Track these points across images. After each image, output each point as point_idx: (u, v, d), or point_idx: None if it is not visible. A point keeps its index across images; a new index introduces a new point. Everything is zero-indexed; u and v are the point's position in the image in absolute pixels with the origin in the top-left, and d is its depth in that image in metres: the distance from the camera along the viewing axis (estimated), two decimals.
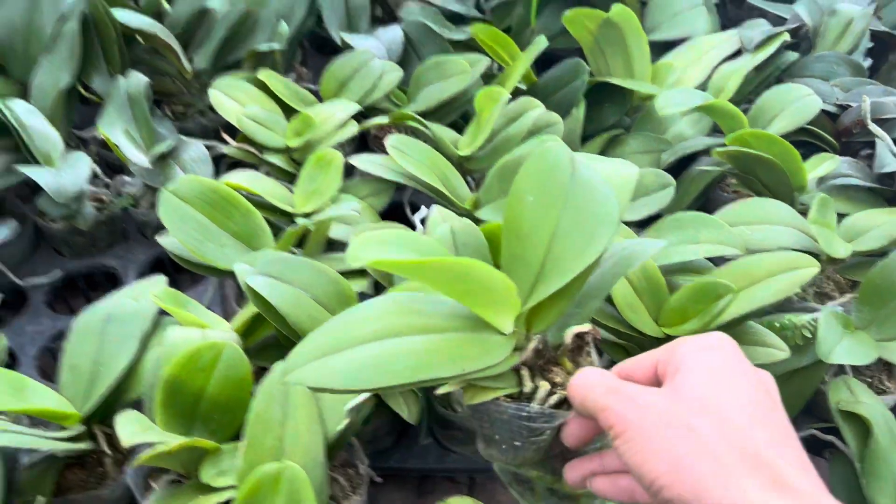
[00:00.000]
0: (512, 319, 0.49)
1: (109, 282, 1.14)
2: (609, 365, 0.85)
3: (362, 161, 1.00)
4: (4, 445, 0.66)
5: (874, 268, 0.80)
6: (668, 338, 0.76)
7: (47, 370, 1.00)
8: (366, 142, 1.26)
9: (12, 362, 0.98)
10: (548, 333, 0.53)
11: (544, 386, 0.51)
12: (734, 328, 0.75)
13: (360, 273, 0.87)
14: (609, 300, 0.74)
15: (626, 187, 0.55)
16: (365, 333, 0.47)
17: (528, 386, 0.51)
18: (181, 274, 1.17)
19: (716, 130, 1.20)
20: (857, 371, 0.83)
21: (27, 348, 0.98)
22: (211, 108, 1.28)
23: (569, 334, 0.53)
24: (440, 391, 0.51)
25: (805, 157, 1.00)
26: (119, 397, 0.78)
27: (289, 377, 0.47)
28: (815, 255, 0.90)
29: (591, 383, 0.47)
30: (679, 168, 1.13)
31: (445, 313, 0.49)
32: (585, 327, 0.53)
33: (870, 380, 0.84)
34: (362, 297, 0.84)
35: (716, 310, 0.72)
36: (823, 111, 1.12)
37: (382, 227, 0.87)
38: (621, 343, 0.78)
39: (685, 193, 1.08)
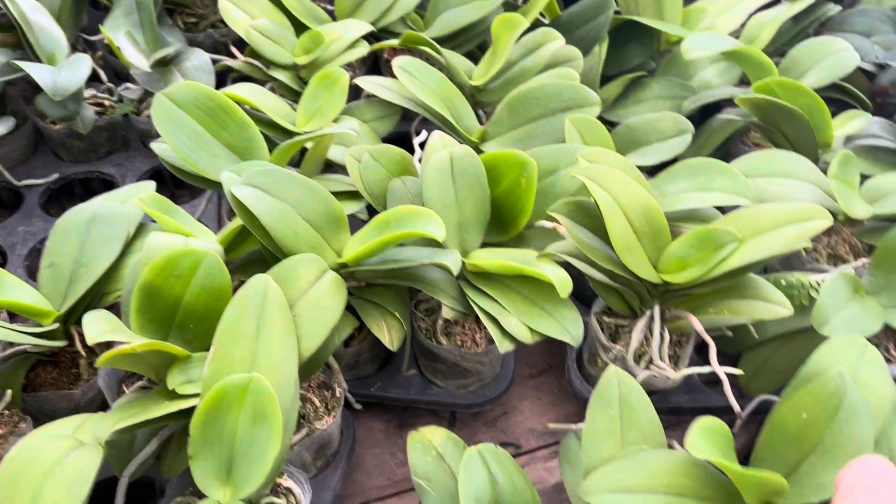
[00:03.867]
0: None
1: (107, 189, 1.12)
2: (604, 310, 0.82)
3: (368, 82, 0.97)
4: None
5: (892, 230, 0.76)
6: (666, 284, 0.72)
7: (34, 271, 0.98)
8: (378, 66, 1.22)
9: (2, 261, 0.97)
10: None
11: None
12: (735, 279, 0.71)
13: (354, 195, 0.84)
14: (606, 239, 0.71)
15: (881, 410, 0.64)
16: (658, 483, 0.60)
17: None
18: (182, 189, 1.15)
19: (744, 83, 1.14)
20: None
21: (18, 248, 0.97)
22: (223, 22, 1.25)
23: None
24: None
25: (835, 115, 0.95)
26: (98, 299, 0.77)
27: (591, 498, 0.59)
28: (832, 214, 0.86)
29: None
30: (702, 118, 1.08)
31: (712, 482, 0.62)
32: None
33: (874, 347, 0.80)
34: (354, 219, 0.81)
35: (717, 258, 0.69)
36: (860, 69, 1.06)
37: (383, 149, 0.83)
38: (615, 287, 0.74)
39: (705, 144, 1.03)
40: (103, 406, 0.79)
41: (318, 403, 0.74)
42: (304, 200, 0.74)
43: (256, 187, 0.72)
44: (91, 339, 0.60)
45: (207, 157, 0.83)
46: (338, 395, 0.74)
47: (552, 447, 0.87)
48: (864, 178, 0.88)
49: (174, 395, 0.64)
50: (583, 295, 0.82)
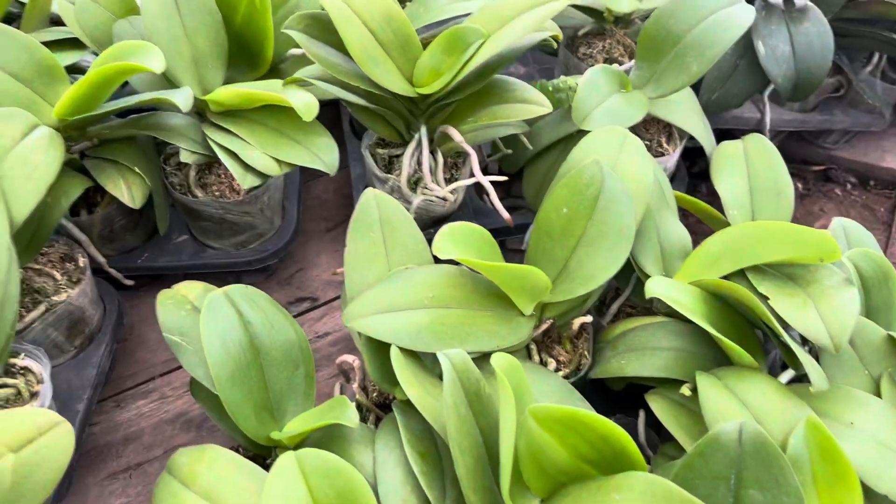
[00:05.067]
0: (534, 305, 0.59)
1: None
2: (377, 141, 0.77)
3: None
4: None
5: (649, 19, 0.73)
6: (424, 98, 0.68)
7: None
8: None
9: None
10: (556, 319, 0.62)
11: (551, 364, 0.62)
12: (486, 80, 0.67)
13: (75, 44, 0.74)
14: (345, 51, 0.64)
15: (642, 195, 0.62)
16: (423, 298, 0.57)
17: (535, 360, 0.62)
18: None
19: None
20: (637, 133, 0.78)
21: None
22: None
23: (576, 323, 0.62)
24: None
25: None
26: None
27: (354, 323, 0.55)
28: (601, 15, 0.84)
29: None
30: None
31: (482, 291, 0.59)
32: (588, 318, 0.63)
33: (649, 142, 0.79)
34: (70, 71, 0.71)
35: (465, 58, 0.64)
36: None
37: None
38: (375, 110, 0.69)
39: None
40: None
41: (59, 277, 0.66)
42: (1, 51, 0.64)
43: None
44: None
45: None
46: (81, 264, 0.67)
47: None
48: None
49: None
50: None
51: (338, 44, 0.66)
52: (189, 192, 0.72)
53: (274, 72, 0.74)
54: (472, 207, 0.80)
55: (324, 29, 0.66)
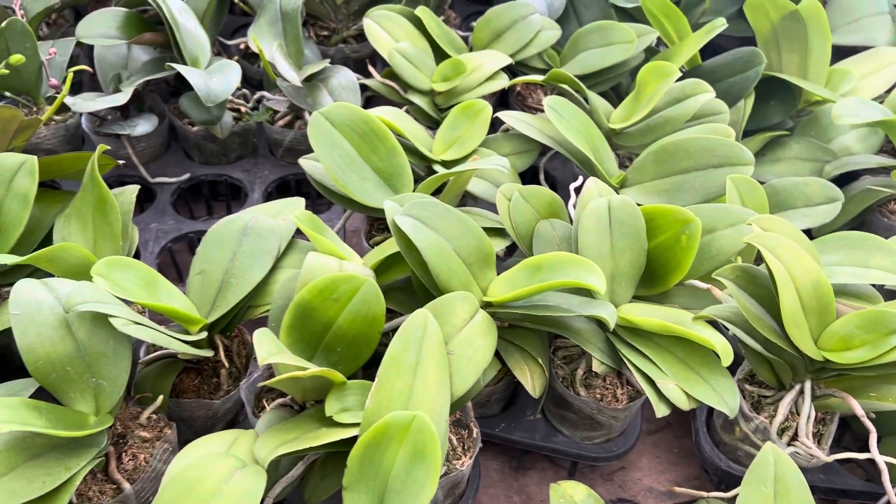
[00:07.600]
0: None
1: (233, 194, 1.13)
2: (746, 377, 0.80)
3: (511, 117, 0.96)
4: (137, 338, 0.66)
5: None
6: (827, 362, 0.70)
7: (164, 269, 1.00)
8: (506, 99, 1.22)
9: (134, 256, 0.99)
10: None
11: None
12: None
13: (499, 232, 0.83)
14: (774, 312, 0.69)
15: None
16: None
17: None
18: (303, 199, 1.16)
19: (883, 150, 1.11)
20: None
21: (150, 245, 0.99)
22: (355, 38, 1.26)
23: None
24: None
25: None
26: (244, 312, 0.77)
27: None
28: None
29: None
30: (836, 184, 1.06)
31: None
32: None
33: None
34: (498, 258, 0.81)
35: (889, 344, 0.66)
36: None
37: (534, 190, 0.82)
38: (769, 357, 0.72)
39: (842, 213, 1.00)
40: (236, 417, 0.80)
41: (455, 442, 0.73)
42: (459, 235, 0.74)
43: (416, 219, 0.72)
44: (262, 360, 0.60)
45: (357, 179, 0.83)
46: (474, 435, 0.73)
47: None
48: None
49: (331, 423, 0.63)
50: None
51: (759, 296, 0.71)
52: (572, 387, 0.77)
53: (664, 294, 0.79)
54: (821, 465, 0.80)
55: (750, 282, 0.71)
